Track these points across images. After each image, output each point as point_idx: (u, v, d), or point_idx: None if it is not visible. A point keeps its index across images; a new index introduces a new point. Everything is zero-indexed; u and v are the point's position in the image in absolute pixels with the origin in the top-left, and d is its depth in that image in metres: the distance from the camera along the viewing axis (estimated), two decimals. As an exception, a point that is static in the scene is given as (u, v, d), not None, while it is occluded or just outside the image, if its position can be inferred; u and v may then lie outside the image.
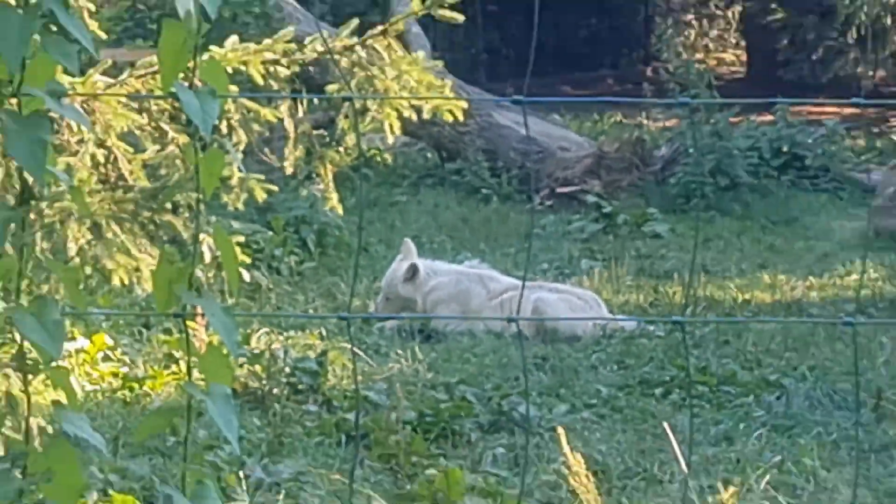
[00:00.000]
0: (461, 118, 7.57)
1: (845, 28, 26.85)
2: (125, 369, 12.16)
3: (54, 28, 3.98)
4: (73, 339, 11.05)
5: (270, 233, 15.01)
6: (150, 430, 4.38)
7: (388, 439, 11.35)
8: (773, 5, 27.73)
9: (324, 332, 13.54)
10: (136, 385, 11.89)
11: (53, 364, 4.06)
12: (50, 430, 3.89)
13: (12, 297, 4.04)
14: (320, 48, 6.96)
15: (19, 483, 3.92)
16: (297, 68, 6.95)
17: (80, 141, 6.51)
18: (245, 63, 6.68)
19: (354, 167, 6.56)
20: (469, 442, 11.64)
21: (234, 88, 6.51)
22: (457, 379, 12.85)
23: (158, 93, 6.46)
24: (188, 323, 4.13)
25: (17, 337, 4.02)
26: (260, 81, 6.81)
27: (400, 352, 13.81)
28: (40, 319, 3.99)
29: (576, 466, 3.99)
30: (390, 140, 7.22)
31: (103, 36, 6.32)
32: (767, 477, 10.47)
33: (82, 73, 5.69)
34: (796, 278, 16.74)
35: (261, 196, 6.70)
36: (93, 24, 5.57)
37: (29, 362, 4.04)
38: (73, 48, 4.06)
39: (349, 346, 13.37)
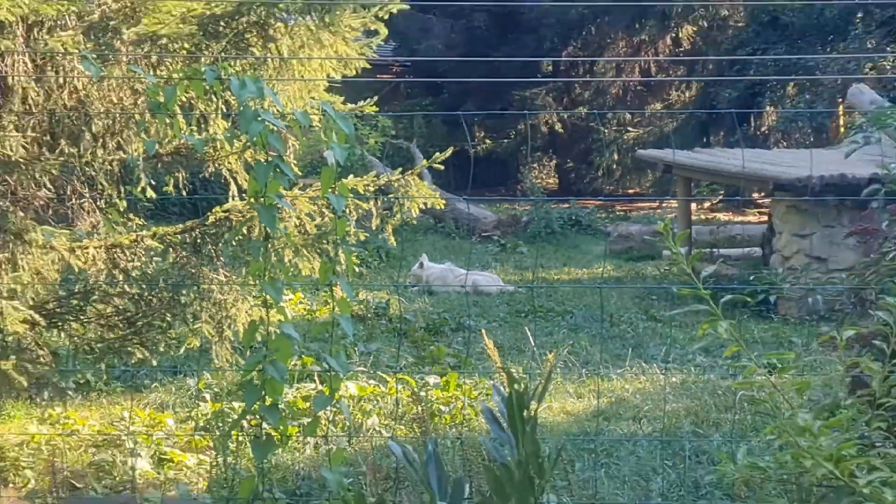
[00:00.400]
0: (443, 206, 7.59)
1: (597, 169, 26.79)
2: (308, 307, 12.13)
3: (279, 169, 3.99)
4: (287, 294, 11.03)
5: (366, 251, 14.98)
6: (318, 331, 4.38)
7: (414, 334, 11.36)
8: (569, 160, 27.75)
9: (388, 292, 13.53)
10: (312, 313, 11.85)
11: (278, 304, 4.07)
12: (277, 331, 3.87)
13: (261, 279, 4.04)
14: (385, 179, 6.92)
15: (265, 352, 3.92)
16: (376, 187, 6.90)
17: (290, 216, 6.48)
18: (356, 185, 6.66)
19: (400, 225, 6.56)
20: (447, 335, 11.63)
21: (351, 195, 6.49)
22: (442, 310, 12.85)
23: (314, 193, 6.43)
24: (333, 287, 4.12)
25: (265, 294, 4.02)
26: (362, 192, 6.78)
27: (419, 299, 13.87)
28: (273, 287, 4.00)
29: (489, 345, 3.93)
30: (415, 214, 7.15)
31: (299, 173, 6.28)
32: (566, 349, 10.45)
33: (290, 188, 5.65)
34: (578, 269, 16.68)
35: (362, 237, 6.67)
36: (295, 169, 5.53)
37: (269, 303, 4.04)
38: (286, 178, 4.06)
39: (398, 297, 13.38)
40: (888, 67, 21.41)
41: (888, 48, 21.82)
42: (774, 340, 11.19)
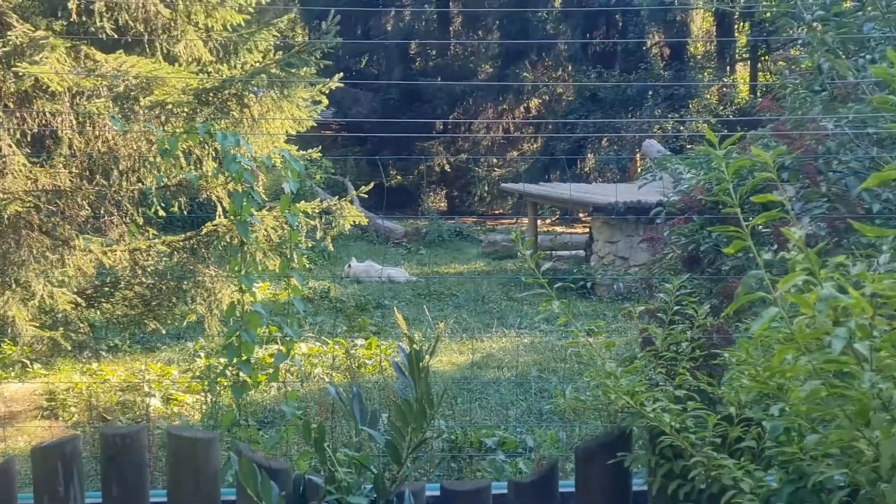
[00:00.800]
0: (366, 222, 7.55)
1: (474, 196, 26.74)
2: (273, 292, 11.93)
3: (251, 196, 3.94)
4: (258, 283, 10.82)
5: (313, 254, 14.77)
6: (279, 309, 4.35)
7: (347, 311, 11.25)
8: (454, 190, 27.72)
9: (328, 282, 13.37)
10: (276, 296, 11.63)
11: (251, 290, 4.02)
12: (250, 309, 3.83)
13: (239, 273, 3.99)
14: (326, 204, 6.88)
15: (241, 324, 3.87)
16: (320, 209, 6.85)
17: (259, 229, 6.41)
18: (306, 208, 6.61)
19: (336, 236, 6.50)
20: (370, 311, 11.53)
21: (302, 214, 6.43)
22: (367, 293, 12.76)
23: (277, 214, 6.37)
24: (290, 279, 4.09)
25: (242, 283, 3.97)
26: (310, 212, 6.73)
27: (350, 286, 13.72)
28: (247, 278, 3.95)
29: (399, 318, 3.96)
30: (347, 228, 7.11)
31: (266, 199, 6.21)
32: (452, 321, 10.44)
33: (259, 209, 5.59)
34: (461, 265, 16.73)
35: (310, 244, 6.61)
36: (263, 196, 5.47)
37: (244, 290, 3.99)
38: (256, 203, 4.01)
39: (336, 285, 13.27)
40: (669, 128, 21.81)
41: (668, 115, 22.27)
42: (593, 313, 11.31)
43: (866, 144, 4.45)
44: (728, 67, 27.55)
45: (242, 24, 7.23)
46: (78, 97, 6.01)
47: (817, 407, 2.06)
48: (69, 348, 6.57)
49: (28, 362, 8.22)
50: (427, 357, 2.60)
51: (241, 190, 3.97)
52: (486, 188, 27.40)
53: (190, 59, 6.84)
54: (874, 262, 2.44)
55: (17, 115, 5.93)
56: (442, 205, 28.20)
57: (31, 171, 6.10)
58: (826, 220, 4.18)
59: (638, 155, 20.62)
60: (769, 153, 2.20)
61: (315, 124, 7.24)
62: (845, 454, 2.08)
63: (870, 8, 4.99)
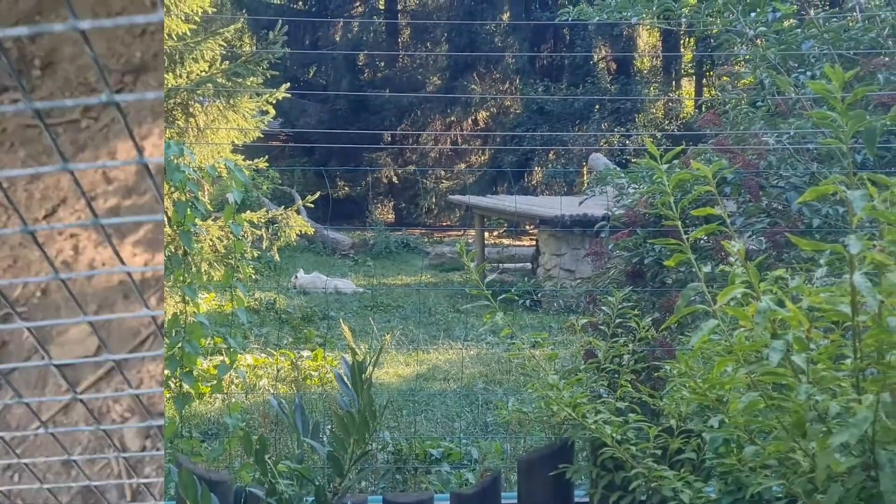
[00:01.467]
0: (313, 233, 7.51)
1: (421, 208, 26.68)
2: (219, 303, 11.78)
3: (195, 206, 3.89)
4: (202, 293, 10.68)
5: (260, 264, 14.60)
6: (223, 320, 4.29)
7: (293, 322, 11.15)
8: (402, 201, 27.66)
9: (275, 293, 13.25)
10: (220, 307, 11.53)
11: (194, 301, 3.97)
12: (193, 320, 3.78)
13: (182, 283, 3.94)
14: (272, 214, 6.83)
15: (183, 334, 3.81)
16: (266, 219, 6.80)
17: (204, 239, 6.35)
18: (252, 218, 6.55)
19: (282, 246, 6.48)
20: (316, 322, 11.44)
21: (247, 224, 6.38)
22: (313, 304, 12.66)
23: (222, 224, 6.31)
24: (235, 289, 4.05)
25: (185, 294, 3.92)
26: (256, 222, 6.67)
27: (297, 298, 13.61)
28: (190, 289, 3.90)
29: (345, 329, 3.94)
30: (293, 238, 7.05)
31: (211, 209, 6.16)
32: (399, 332, 10.40)
33: (204, 219, 5.54)
34: (408, 277, 16.59)
35: (256, 254, 6.56)
36: (209, 206, 5.43)
37: (187, 300, 3.94)
38: (200, 213, 3.97)
39: (282, 296, 13.16)
40: (615, 142, 22.03)
41: (615, 129, 22.51)
42: (538, 325, 11.35)
43: (806, 160, 4.54)
44: (674, 82, 27.94)
45: (188, 33, 7.17)
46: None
47: (755, 419, 2.08)
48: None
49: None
50: (370, 368, 2.59)
51: (184, 199, 3.93)
52: (434, 200, 27.43)
53: (134, 67, 6.76)
54: (812, 275, 2.48)
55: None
56: (389, 216, 28.15)
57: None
58: (767, 235, 4.25)
59: (585, 168, 20.79)
60: (710, 167, 2.23)
61: (262, 134, 7.20)
62: (782, 465, 2.11)
63: (810, 27, 5.10)
